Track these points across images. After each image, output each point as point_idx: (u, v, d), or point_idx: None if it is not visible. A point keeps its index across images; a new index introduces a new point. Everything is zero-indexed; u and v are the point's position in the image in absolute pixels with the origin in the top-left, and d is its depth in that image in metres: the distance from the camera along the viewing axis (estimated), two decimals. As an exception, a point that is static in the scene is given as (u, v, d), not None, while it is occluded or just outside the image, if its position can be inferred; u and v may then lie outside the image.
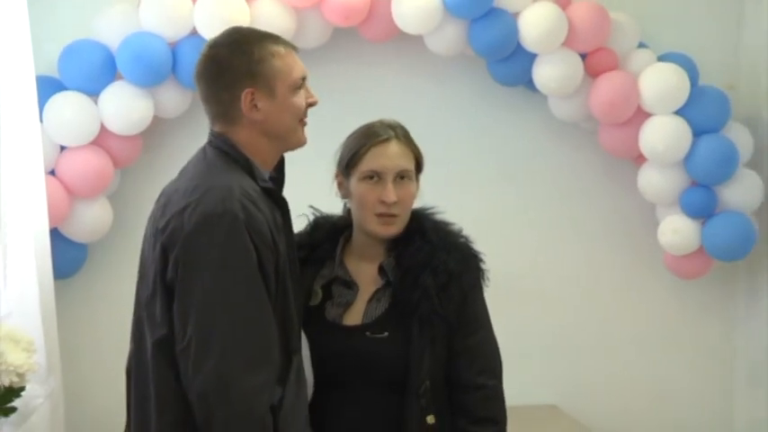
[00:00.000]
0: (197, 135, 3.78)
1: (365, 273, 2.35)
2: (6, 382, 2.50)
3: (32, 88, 3.27)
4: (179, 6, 3.65)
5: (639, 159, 4.11)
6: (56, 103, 3.61)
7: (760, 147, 4.17)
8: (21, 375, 2.52)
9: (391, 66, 4.06)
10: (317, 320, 2.30)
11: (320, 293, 2.34)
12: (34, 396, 2.69)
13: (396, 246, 2.34)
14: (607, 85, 3.94)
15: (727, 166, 3.99)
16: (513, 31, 3.86)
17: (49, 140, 3.57)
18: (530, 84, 4.03)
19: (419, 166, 2.39)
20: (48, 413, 3.12)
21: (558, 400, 4.37)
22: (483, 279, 2.37)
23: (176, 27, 3.66)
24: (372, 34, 3.90)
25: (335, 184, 2.41)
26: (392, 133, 2.33)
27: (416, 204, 2.48)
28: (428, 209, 2.42)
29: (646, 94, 3.95)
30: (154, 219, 2.14)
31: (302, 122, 2.23)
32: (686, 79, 3.95)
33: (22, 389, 2.57)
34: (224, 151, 2.15)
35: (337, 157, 2.43)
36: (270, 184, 2.19)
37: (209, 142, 2.22)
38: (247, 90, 2.13)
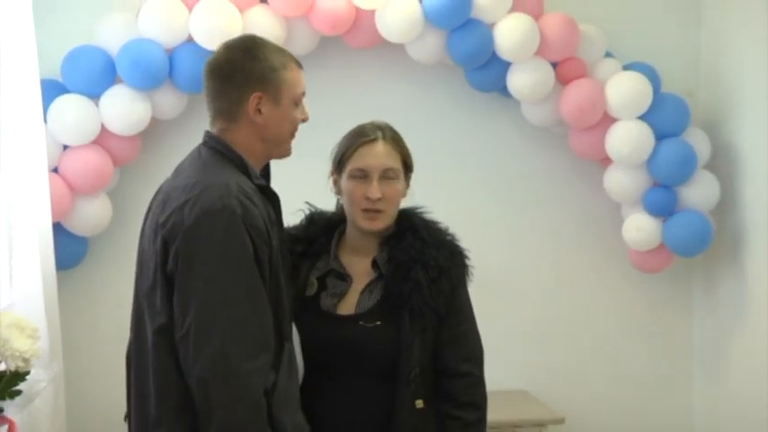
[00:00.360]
0: (193, 135, 3.77)
1: (358, 266, 2.35)
2: (12, 367, 2.49)
3: (37, 91, 3.26)
4: (175, 15, 3.65)
5: (606, 161, 4.12)
6: (59, 105, 3.60)
7: (717, 150, 4.20)
8: (26, 360, 2.51)
9: (375, 72, 4.06)
10: (313, 310, 2.30)
11: (315, 284, 2.34)
12: (38, 380, 2.68)
13: (388, 241, 2.34)
14: (576, 92, 3.96)
15: (686, 167, 4.01)
16: (489, 40, 3.87)
17: (52, 140, 3.56)
18: (504, 90, 4.04)
19: (407, 167, 2.39)
20: (51, 396, 3.13)
21: (528, 385, 4.38)
22: (468, 274, 2.38)
23: (173, 34, 3.66)
24: (357, 42, 3.91)
25: (330, 181, 2.41)
26: (380, 134, 2.34)
27: (407, 203, 2.48)
28: (417, 208, 2.43)
29: (612, 100, 3.96)
30: (153, 214, 2.13)
31: (293, 135, 2.24)
32: (649, 87, 3.97)
33: (27, 373, 2.56)
34: (218, 151, 2.15)
35: (332, 155, 2.44)
36: (263, 182, 2.19)
37: (204, 143, 2.21)
38: (256, 94, 2.13)
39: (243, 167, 2.13)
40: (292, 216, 2.44)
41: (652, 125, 3.98)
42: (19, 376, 2.54)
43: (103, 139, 3.68)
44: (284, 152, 2.25)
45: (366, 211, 2.30)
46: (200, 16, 3.63)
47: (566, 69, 3.99)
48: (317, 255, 2.38)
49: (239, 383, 1.93)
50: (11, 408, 2.60)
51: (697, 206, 4.09)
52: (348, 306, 2.31)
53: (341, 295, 2.32)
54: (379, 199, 2.28)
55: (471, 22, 3.84)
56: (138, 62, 3.60)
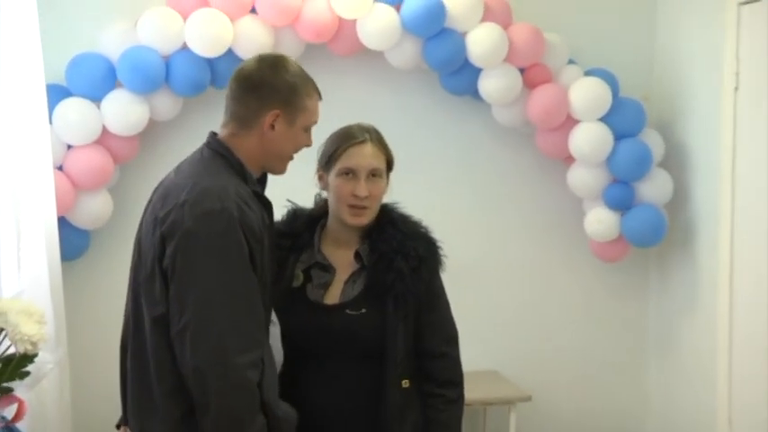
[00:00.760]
0: (188, 136, 3.83)
1: (341, 257, 2.34)
2: (21, 350, 2.48)
3: (43, 94, 3.24)
4: (171, 24, 3.64)
5: (569, 159, 4.14)
6: (63, 108, 3.59)
7: (670, 149, 4.23)
8: (33, 344, 2.49)
9: (357, 77, 4.06)
10: (301, 300, 2.29)
11: (301, 277, 2.32)
12: (45, 362, 2.67)
13: (369, 234, 2.33)
14: (542, 96, 3.98)
15: (642, 165, 4.03)
16: (462, 48, 3.88)
17: (57, 140, 3.55)
18: (476, 94, 4.05)
19: (389, 166, 2.38)
20: (56, 377, 3.12)
21: (498, 366, 4.39)
22: (441, 263, 2.37)
23: (169, 42, 3.65)
24: (340, 49, 3.92)
25: (316, 178, 2.39)
26: (367, 136, 2.32)
27: (385, 199, 2.46)
28: (394, 203, 2.41)
29: (574, 103, 3.98)
30: (153, 207, 2.10)
31: (291, 157, 2.20)
32: (608, 91, 3.99)
33: (35, 356, 2.55)
34: (220, 154, 2.11)
35: (319, 154, 2.42)
36: (259, 189, 2.16)
37: (207, 144, 2.17)
38: (275, 111, 2.10)
39: (242, 173, 2.10)
40: (276, 212, 2.42)
41: (611, 126, 4.00)
42: (27, 358, 2.53)
43: (105, 139, 3.67)
44: (279, 170, 2.21)
45: (353, 207, 2.28)
46: (195, 25, 3.63)
47: (532, 75, 4.01)
48: (301, 248, 2.36)
49: (235, 376, 1.91)
50: (20, 388, 2.60)
51: (652, 201, 4.11)
52: (333, 296, 2.30)
53: (326, 286, 2.31)
54: (366, 197, 2.28)
55: (445, 31, 3.85)
56: (137, 68, 3.59)
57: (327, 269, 2.32)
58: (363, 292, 2.28)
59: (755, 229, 3.79)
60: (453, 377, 2.33)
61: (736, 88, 3.85)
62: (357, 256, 2.32)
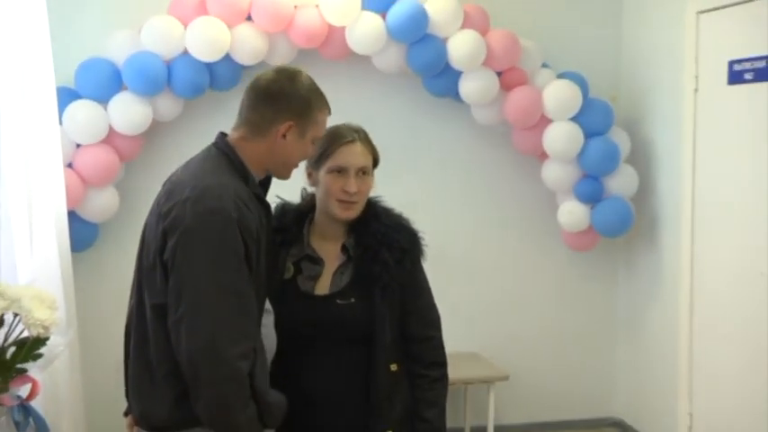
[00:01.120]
0: (189, 135, 3.86)
1: (328, 250, 2.31)
2: (34, 333, 2.46)
3: (53, 97, 3.24)
4: (173, 31, 3.65)
5: (543, 156, 4.16)
6: (72, 109, 3.60)
7: (636, 146, 4.26)
8: (46, 328, 2.47)
9: (345, 80, 4.06)
10: (293, 291, 2.27)
11: (292, 269, 2.29)
12: (56, 345, 2.64)
13: (354, 227, 2.31)
14: (518, 97, 4.00)
15: (611, 161, 4.06)
16: (443, 53, 3.89)
17: (67, 139, 3.56)
18: (456, 95, 4.07)
19: (375, 163, 2.37)
20: (67, 359, 3.13)
21: (478, 348, 4.42)
22: (423, 253, 2.37)
23: (171, 48, 3.66)
24: (330, 54, 3.93)
25: (306, 175, 2.35)
26: (356, 136, 2.29)
27: (370, 194, 2.44)
28: (376, 197, 2.39)
29: (548, 104, 4.00)
30: (158, 202, 2.07)
31: (297, 165, 2.18)
32: (579, 93, 4.02)
33: (47, 339, 2.54)
34: (225, 154, 2.08)
35: None
36: (260, 192, 2.13)
37: (215, 144, 2.13)
38: (289, 122, 2.06)
39: (244, 174, 2.07)
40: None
41: (582, 125, 4.02)
42: (40, 341, 2.51)
43: (111, 138, 3.68)
44: (284, 176, 2.18)
45: (342, 202, 2.26)
46: (194, 32, 3.64)
47: (509, 78, 4.02)
48: (291, 242, 2.35)
49: (225, 366, 1.90)
50: (34, 369, 2.59)
51: (620, 194, 4.14)
52: (323, 287, 2.28)
53: (316, 277, 2.29)
54: (356, 192, 2.26)
55: (428, 37, 3.87)
56: (141, 72, 3.60)
57: (317, 261, 2.30)
58: (351, 282, 2.26)
59: (714, 219, 3.83)
60: (438, 358, 2.32)
61: (696, 90, 3.89)
62: (344, 248, 2.30)
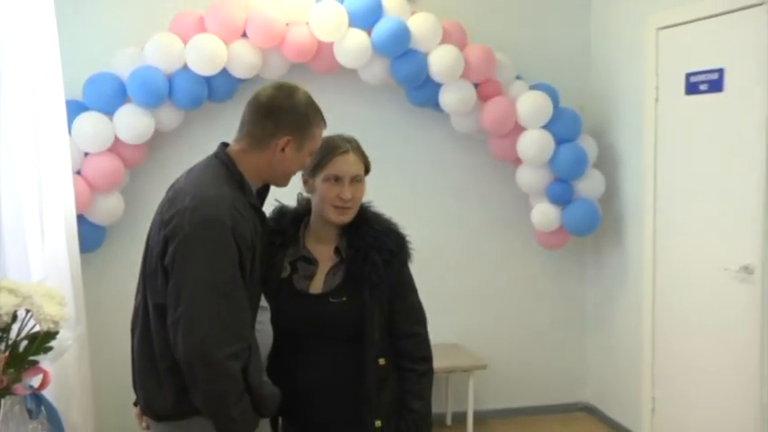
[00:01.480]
0: (189, 143, 3.87)
1: (322, 252, 2.32)
2: (45, 328, 2.45)
3: (62, 109, 3.22)
4: (174, 47, 3.66)
5: (517, 161, 4.18)
6: (81, 121, 3.61)
7: (603, 152, 4.29)
8: (56, 323, 2.46)
9: (334, 92, 4.05)
10: (288, 289, 2.28)
11: (288, 268, 2.29)
12: (66, 339, 2.64)
13: (346, 231, 2.31)
14: (493, 107, 4.02)
15: (580, 166, 4.08)
16: (424, 66, 3.91)
17: (75, 148, 3.57)
18: (437, 106, 4.08)
19: (367, 171, 2.38)
20: (76, 351, 3.13)
21: (458, 339, 4.43)
22: (410, 255, 2.36)
23: (172, 62, 3.67)
24: (319, 68, 3.94)
25: (302, 182, 2.34)
26: (350, 146, 2.29)
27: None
28: (367, 203, 2.39)
29: (521, 113, 4.02)
30: (161, 209, 2.08)
31: (294, 174, 2.18)
32: (550, 103, 4.04)
33: (57, 333, 2.53)
34: (225, 164, 2.08)
35: None
36: (256, 202, 2.13)
37: (216, 154, 2.12)
38: (288, 137, 2.06)
39: (241, 185, 2.07)
40: (266, 208, 2.39)
41: (553, 133, 4.04)
42: (50, 335, 2.50)
43: (117, 147, 3.69)
44: (283, 184, 2.18)
45: (337, 207, 2.26)
46: (194, 48, 3.65)
47: (485, 89, 4.04)
48: (288, 243, 2.36)
49: (217, 365, 1.90)
50: (45, 361, 2.58)
51: (588, 196, 4.16)
52: (317, 286, 2.28)
53: (311, 277, 2.29)
54: (350, 199, 2.27)
55: (410, 52, 3.89)
56: (144, 85, 3.61)
57: (312, 262, 2.30)
58: (343, 282, 2.26)
59: (674, 219, 3.86)
60: (425, 353, 2.31)
61: (657, 99, 3.93)
62: (337, 250, 2.30)
